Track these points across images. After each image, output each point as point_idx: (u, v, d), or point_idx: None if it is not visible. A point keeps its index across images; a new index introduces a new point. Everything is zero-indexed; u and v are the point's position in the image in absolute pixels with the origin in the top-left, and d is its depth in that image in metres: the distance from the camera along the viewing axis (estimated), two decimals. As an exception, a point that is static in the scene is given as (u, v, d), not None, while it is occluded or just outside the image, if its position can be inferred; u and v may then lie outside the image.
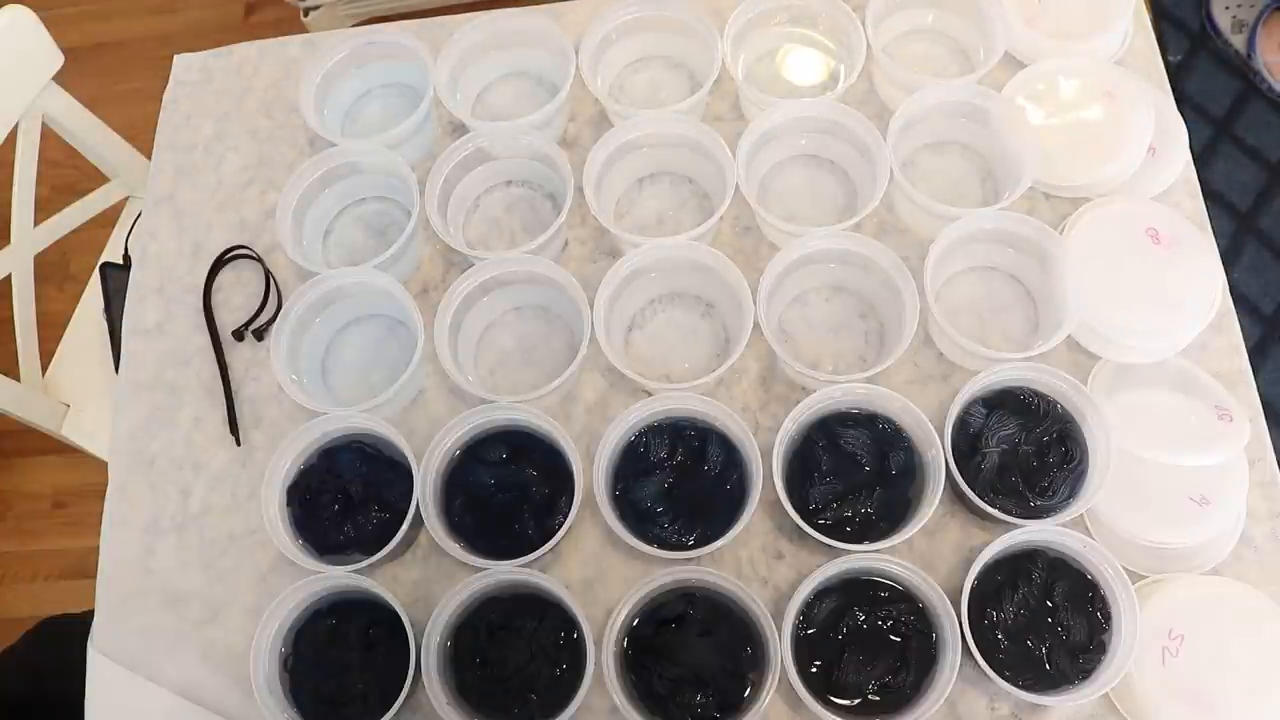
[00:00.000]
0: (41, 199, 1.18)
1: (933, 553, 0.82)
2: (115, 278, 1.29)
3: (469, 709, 0.77)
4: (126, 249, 1.32)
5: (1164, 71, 0.97)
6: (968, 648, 0.73)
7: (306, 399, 0.84)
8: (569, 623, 0.78)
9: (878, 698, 0.76)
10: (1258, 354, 1.62)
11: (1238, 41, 1.57)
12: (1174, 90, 0.96)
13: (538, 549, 0.78)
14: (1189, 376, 0.84)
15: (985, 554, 0.76)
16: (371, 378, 0.92)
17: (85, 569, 1.41)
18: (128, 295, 1.00)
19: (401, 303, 0.87)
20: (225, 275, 0.98)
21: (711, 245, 0.86)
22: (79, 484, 1.75)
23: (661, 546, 0.78)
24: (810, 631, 0.77)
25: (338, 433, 0.85)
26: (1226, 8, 1.64)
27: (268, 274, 0.97)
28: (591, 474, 0.80)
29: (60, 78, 1.14)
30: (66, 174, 1.37)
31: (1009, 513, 0.77)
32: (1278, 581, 0.79)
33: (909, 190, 0.86)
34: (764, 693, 0.74)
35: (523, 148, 0.94)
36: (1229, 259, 1.65)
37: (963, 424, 0.82)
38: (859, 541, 0.78)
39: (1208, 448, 0.80)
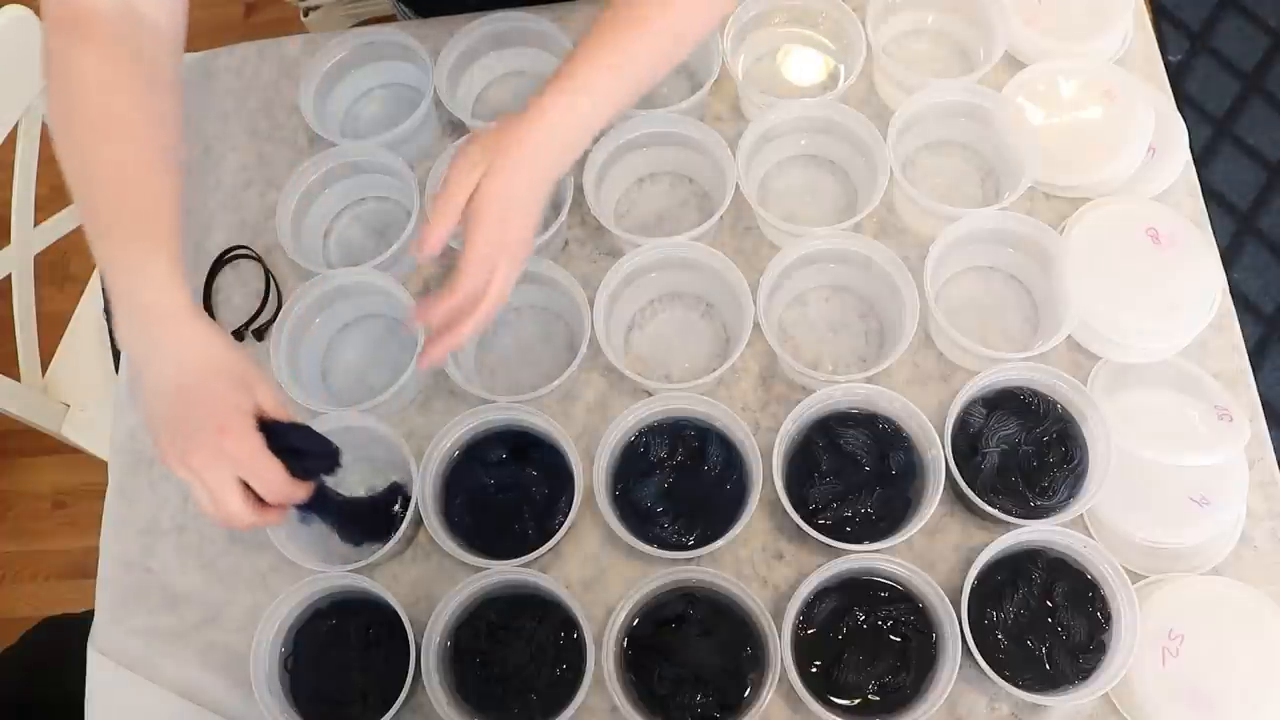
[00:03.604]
0: (41, 199, 1.18)
1: (933, 553, 0.82)
2: (115, 278, 1.28)
3: (469, 709, 0.77)
4: (126, 249, 1.31)
5: (1164, 71, 0.97)
6: (968, 648, 0.73)
7: (306, 399, 0.84)
8: (569, 623, 0.78)
9: (878, 698, 0.76)
10: (1258, 354, 1.62)
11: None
12: (1174, 90, 0.96)
13: (538, 549, 0.78)
14: (1189, 376, 0.84)
15: (985, 554, 0.76)
16: (371, 378, 0.92)
17: (85, 569, 1.41)
18: (128, 295, 1.00)
19: (401, 303, 0.87)
20: (225, 275, 0.98)
21: (711, 245, 0.86)
22: (79, 484, 1.75)
23: (661, 546, 0.78)
24: (810, 631, 0.77)
25: (338, 432, 0.85)
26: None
27: (268, 274, 0.97)
28: (591, 474, 0.80)
29: (60, 78, 1.14)
30: (66, 174, 1.37)
31: (1009, 513, 0.77)
32: (1278, 581, 0.79)
33: (909, 190, 0.86)
34: (764, 693, 0.74)
35: (523, 148, 0.94)
36: (1229, 259, 1.66)
37: (963, 424, 0.82)
38: (859, 541, 0.78)
39: (1208, 448, 0.80)
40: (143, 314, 0.68)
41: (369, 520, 0.82)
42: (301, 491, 0.69)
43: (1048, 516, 0.78)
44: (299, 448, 0.70)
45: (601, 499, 0.79)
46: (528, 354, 0.92)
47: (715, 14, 0.78)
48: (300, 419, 0.72)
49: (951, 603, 0.75)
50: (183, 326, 0.68)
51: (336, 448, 0.72)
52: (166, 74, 0.75)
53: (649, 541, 0.78)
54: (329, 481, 0.75)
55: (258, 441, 0.65)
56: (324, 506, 0.76)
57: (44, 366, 1.27)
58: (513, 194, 0.69)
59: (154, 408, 0.68)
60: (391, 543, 0.79)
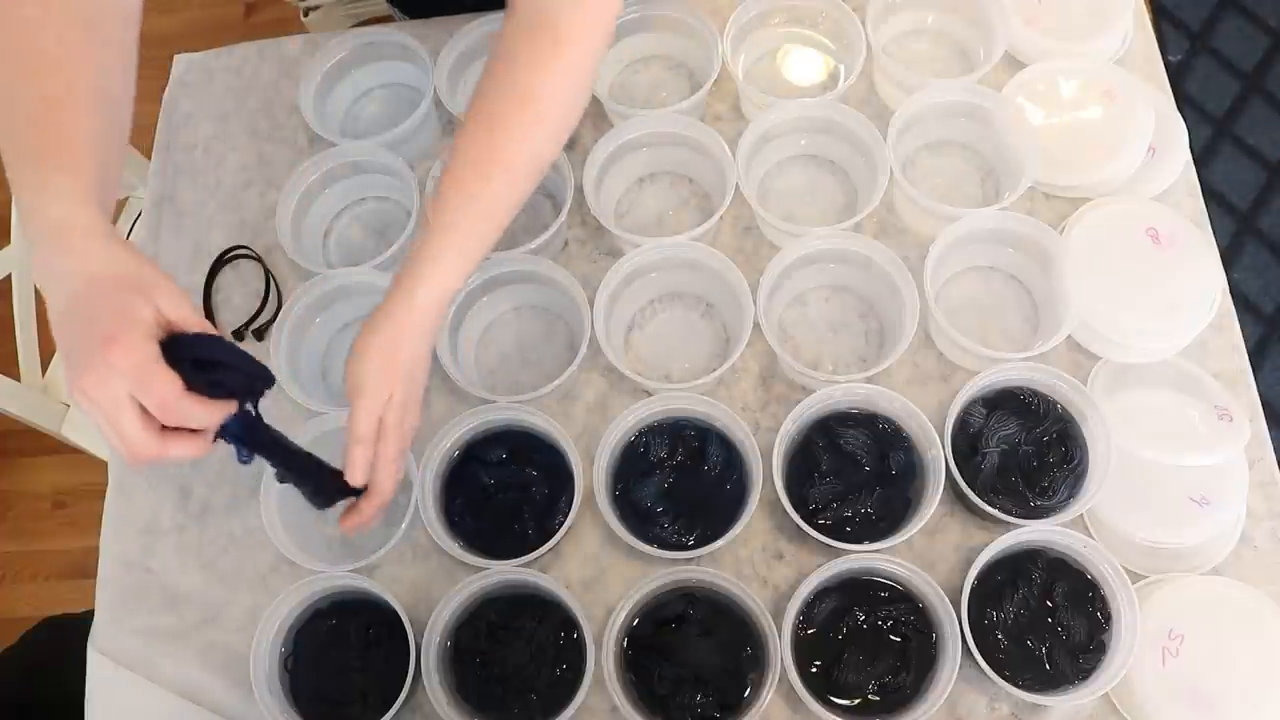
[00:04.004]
0: (42, 199, 1.18)
1: (933, 553, 0.82)
2: (115, 278, 1.28)
3: (469, 709, 0.77)
4: (126, 249, 1.31)
5: (1164, 71, 0.97)
6: (968, 648, 0.73)
7: (306, 399, 0.84)
8: (569, 623, 0.78)
9: (878, 698, 0.76)
10: (1258, 354, 1.62)
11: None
12: (1174, 90, 0.96)
13: (538, 549, 0.78)
14: (1189, 376, 0.84)
15: (985, 554, 0.76)
16: (371, 378, 0.92)
17: (85, 569, 1.41)
18: (128, 295, 0.99)
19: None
20: (225, 275, 0.98)
21: (711, 245, 0.86)
22: (79, 484, 1.75)
23: (661, 546, 0.78)
24: (810, 631, 0.77)
25: (337, 433, 0.85)
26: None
27: (268, 274, 0.97)
28: (591, 474, 0.80)
29: (60, 78, 1.14)
30: (66, 174, 1.37)
31: (1009, 513, 0.77)
32: (1278, 581, 0.79)
33: (909, 190, 0.86)
34: (764, 693, 0.74)
35: (523, 148, 0.94)
36: (1229, 259, 1.66)
37: (963, 424, 0.82)
38: (859, 541, 0.78)
39: (1208, 448, 0.80)
40: (45, 236, 0.61)
41: (321, 475, 0.73)
42: (209, 412, 0.60)
43: (1048, 516, 0.78)
44: (207, 359, 0.60)
45: (601, 499, 0.79)
46: (528, 354, 0.92)
47: (560, 138, 0.76)
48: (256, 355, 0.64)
49: (951, 603, 0.75)
50: (85, 243, 0.61)
51: (264, 367, 0.63)
52: (114, 35, 0.71)
53: (649, 541, 0.78)
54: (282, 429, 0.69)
55: (149, 351, 0.57)
56: (259, 441, 0.67)
57: (44, 366, 1.27)
58: (408, 404, 0.72)
59: (58, 336, 0.60)
60: (392, 543, 0.79)
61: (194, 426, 0.60)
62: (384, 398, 0.70)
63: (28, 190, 0.62)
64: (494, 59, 0.74)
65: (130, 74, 0.72)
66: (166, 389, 0.57)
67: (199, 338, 0.60)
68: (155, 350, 0.57)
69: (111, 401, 0.57)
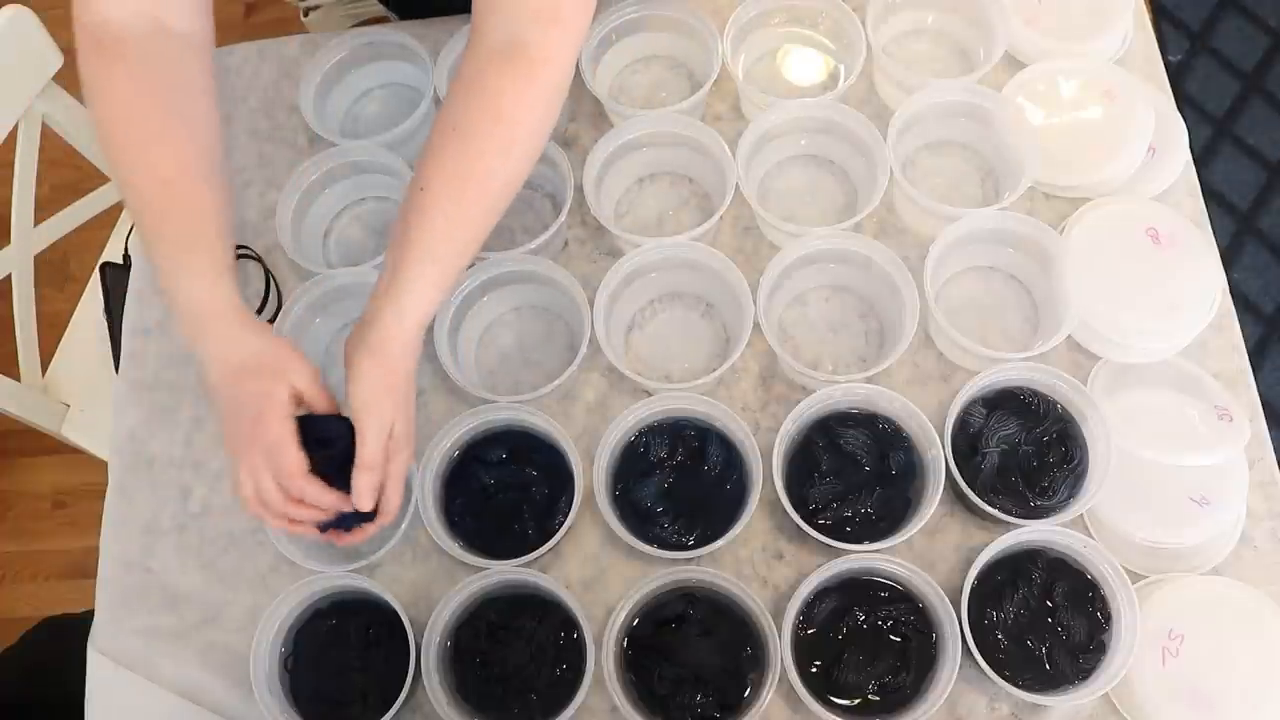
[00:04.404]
0: (41, 199, 1.18)
1: (933, 553, 0.82)
2: (115, 278, 1.28)
3: (469, 709, 0.77)
4: (126, 249, 1.31)
5: (1164, 71, 0.97)
6: (968, 648, 0.73)
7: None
8: (569, 623, 0.78)
9: (878, 698, 0.76)
10: (1258, 354, 1.62)
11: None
12: (1174, 90, 0.96)
13: (538, 549, 0.78)
14: (1189, 376, 0.84)
15: (985, 554, 0.76)
16: (371, 378, 0.92)
17: (85, 569, 1.41)
18: (128, 295, 1.00)
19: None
20: (225, 275, 0.98)
21: (711, 245, 0.86)
22: (79, 484, 1.75)
23: (661, 546, 0.78)
24: (810, 631, 0.77)
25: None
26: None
27: (268, 274, 0.97)
28: (591, 474, 0.80)
29: (60, 78, 1.14)
30: (66, 174, 1.37)
31: (1009, 513, 0.77)
32: (1278, 581, 0.79)
33: (909, 190, 0.87)
34: (764, 693, 0.74)
35: (523, 148, 0.94)
36: (1229, 259, 1.66)
37: (963, 424, 0.82)
38: (859, 541, 0.78)
39: (1208, 448, 0.80)
40: (183, 317, 0.72)
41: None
42: (322, 495, 0.69)
43: (1048, 516, 0.78)
44: (324, 436, 0.71)
45: (601, 499, 0.79)
46: (528, 354, 0.92)
47: (533, 154, 0.76)
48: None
49: (951, 603, 0.75)
50: (217, 327, 0.71)
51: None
52: (198, 79, 0.77)
53: (649, 541, 0.78)
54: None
55: (285, 431, 0.69)
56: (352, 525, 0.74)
57: (44, 366, 1.27)
58: (407, 418, 0.74)
59: (211, 403, 0.73)
60: (392, 543, 0.79)
61: (310, 501, 0.70)
62: (389, 421, 0.72)
63: (161, 274, 0.73)
64: (464, 78, 0.74)
65: (214, 105, 0.78)
66: (292, 466, 0.68)
67: (318, 419, 0.72)
68: (291, 430, 0.69)
69: (251, 466, 0.69)
